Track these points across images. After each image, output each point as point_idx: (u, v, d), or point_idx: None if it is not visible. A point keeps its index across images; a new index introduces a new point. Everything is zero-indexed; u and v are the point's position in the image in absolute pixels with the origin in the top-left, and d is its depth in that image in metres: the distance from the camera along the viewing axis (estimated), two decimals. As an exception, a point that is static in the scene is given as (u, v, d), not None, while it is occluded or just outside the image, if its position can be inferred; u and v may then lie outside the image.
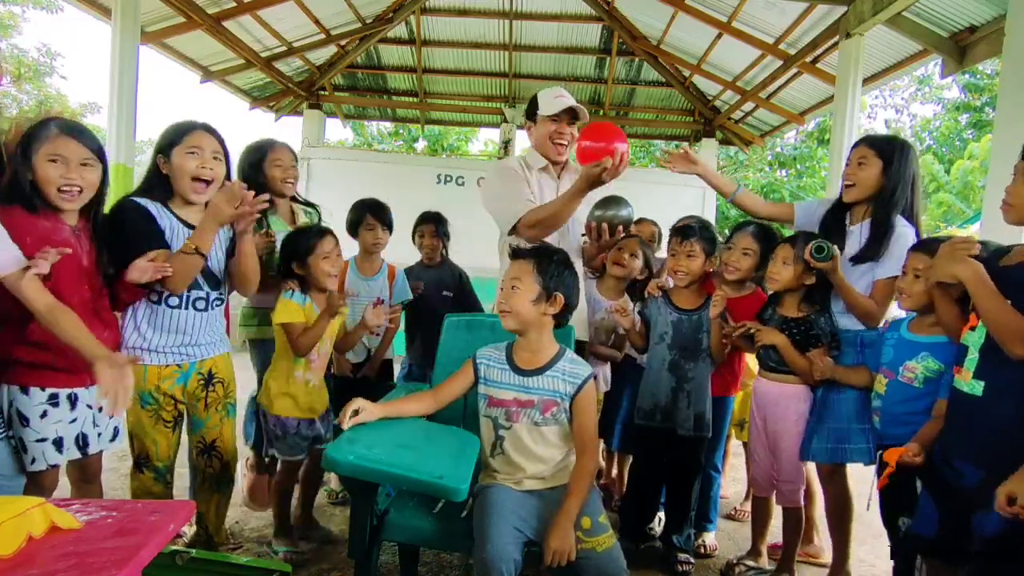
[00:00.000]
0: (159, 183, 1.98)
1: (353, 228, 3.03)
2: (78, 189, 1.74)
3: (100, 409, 1.87)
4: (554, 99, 2.46)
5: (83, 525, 0.96)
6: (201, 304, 2.02)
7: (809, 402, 2.31)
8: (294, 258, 2.36)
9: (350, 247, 3.33)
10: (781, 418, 2.33)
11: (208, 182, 1.98)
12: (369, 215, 2.95)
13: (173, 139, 1.95)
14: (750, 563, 2.52)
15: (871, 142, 2.29)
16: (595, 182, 2.11)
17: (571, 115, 2.48)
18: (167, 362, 2.00)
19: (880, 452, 1.93)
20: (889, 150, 2.22)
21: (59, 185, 1.71)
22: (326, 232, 2.40)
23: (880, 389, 2.05)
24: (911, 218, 2.26)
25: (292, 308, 2.31)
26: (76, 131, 1.77)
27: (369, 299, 2.90)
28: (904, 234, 2.20)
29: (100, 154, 1.80)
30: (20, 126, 1.70)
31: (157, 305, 1.96)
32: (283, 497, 2.44)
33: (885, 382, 2.03)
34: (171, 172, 1.95)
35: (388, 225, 3.00)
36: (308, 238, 2.37)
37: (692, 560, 2.55)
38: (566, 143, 2.50)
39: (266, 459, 2.51)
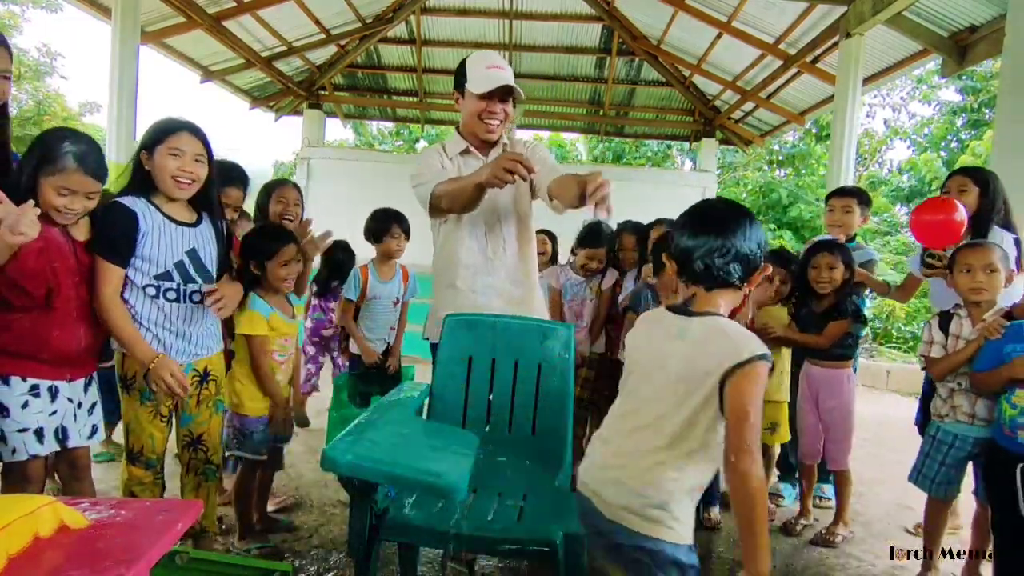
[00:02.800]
0: (141, 179, 1.99)
1: (376, 235, 3.31)
2: (75, 214, 1.80)
3: (80, 404, 1.90)
4: (486, 70, 2.16)
5: (91, 523, 0.96)
6: (196, 297, 2.05)
7: (853, 381, 2.83)
8: (253, 259, 2.37)
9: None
10: (834, 396, 2.81)
11: (189, 182, 1.99)
12: (396, 225, 3.28)
13: (157, 138, 1.95)
14: (803, 521, 2.97)
15: (968, 172, 2.80)
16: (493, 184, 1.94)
17: (504, 91, 2.18)
18: None
19: None
20: (983, 177, 2.73)
21: (61, 210, 1.76)
22: (289, 239, 2.41)
23: None
24: (1009, 227, 2.73)
25: (255, 320, 2.33)
26: (90, 167, 1.77)
27: (389, 299, 3.29)
28: (1003, 238, 2.62)
29: (104, 180, 1.84)
30: None
31: (155, 299, 1.97)
32: (245, 498, 2.48)
33: None
34: (152, 169, 1.96)
35: (408, 233, 3.37)
36: (270, 242, 2.37)
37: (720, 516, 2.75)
38: (498, 121, 2.22)
39: (229, 459, 2.58)
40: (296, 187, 2.85)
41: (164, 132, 1.96)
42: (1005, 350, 2.08)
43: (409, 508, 1.88)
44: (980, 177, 2.72)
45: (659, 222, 3.16)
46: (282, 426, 2.45)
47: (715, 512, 2.98)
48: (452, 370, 2.07)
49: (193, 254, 2.03)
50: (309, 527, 2.69)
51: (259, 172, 14.21)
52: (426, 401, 2.19)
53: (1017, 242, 2.68)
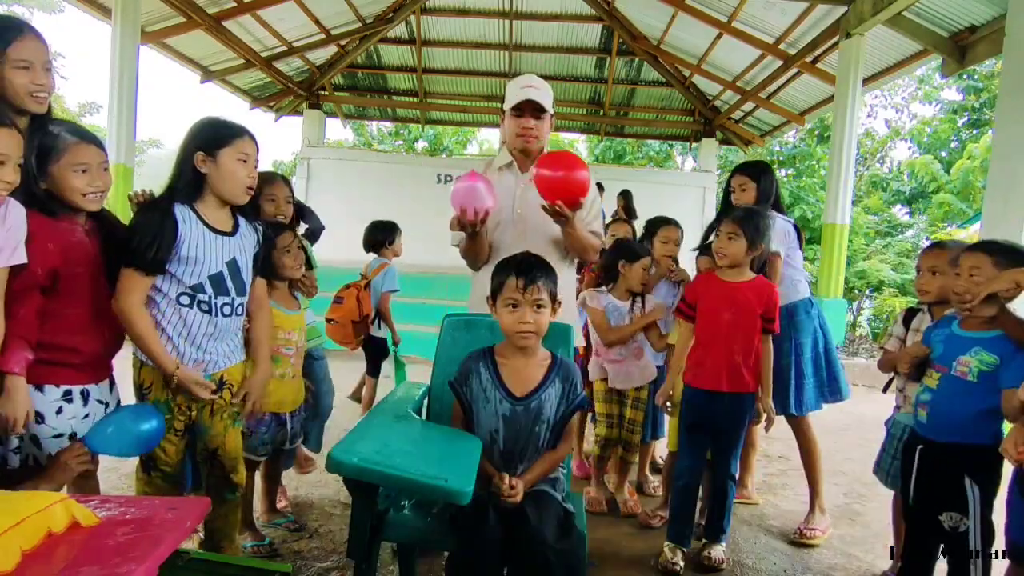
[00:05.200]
0: (195, 181, 1.89)
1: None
2: (102, 193, 1.77)
3: (107, 405, 1.88)
4: (519, 89, 2.33)
5: (102, 520, 0.97)
6: (227, 310, 1.97)
7: None
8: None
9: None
10: None
11: (253, 189, 1.97)
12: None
13: (221, 140, 1.88)
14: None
15: (745, 172, 3.05)
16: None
17: (533, 107, 2.33)
18: None
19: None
20: (756, 173, 3.01)
21: (86, 192, 1.73)
22: (284, 228, 2.46)
23: (931, 383, 2.03)
24: (780, 211, 3.03)
25: None
26: (90, 137, 1.78)
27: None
28: (774, 220, 2.84)
29: (104, 150, 1.82)
30: None
31: (188, 308, 1.90)
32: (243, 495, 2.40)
33: (937, 376, 2.02)
34: (215, 173, 1.88)
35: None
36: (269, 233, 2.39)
37: (724, 556, 2.55)
38: (534, 137, 2.37)
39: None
40: (286, 182, 2.74)
41: (230, 134, 1.89)
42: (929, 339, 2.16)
43: (409, 508, 1.89)
44: (754, 173, 3.01)
45: (667, 222, 3.25)
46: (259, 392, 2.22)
47: (719, 551, 2.55)
48: (451, 371, 2.06)
49: (232, 264, 1.96)
50: (309, 527, 2.70)
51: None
52: (425, 401, 2.20)
53: (795, 226, 3.03)
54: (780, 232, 2.88)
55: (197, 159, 1.86)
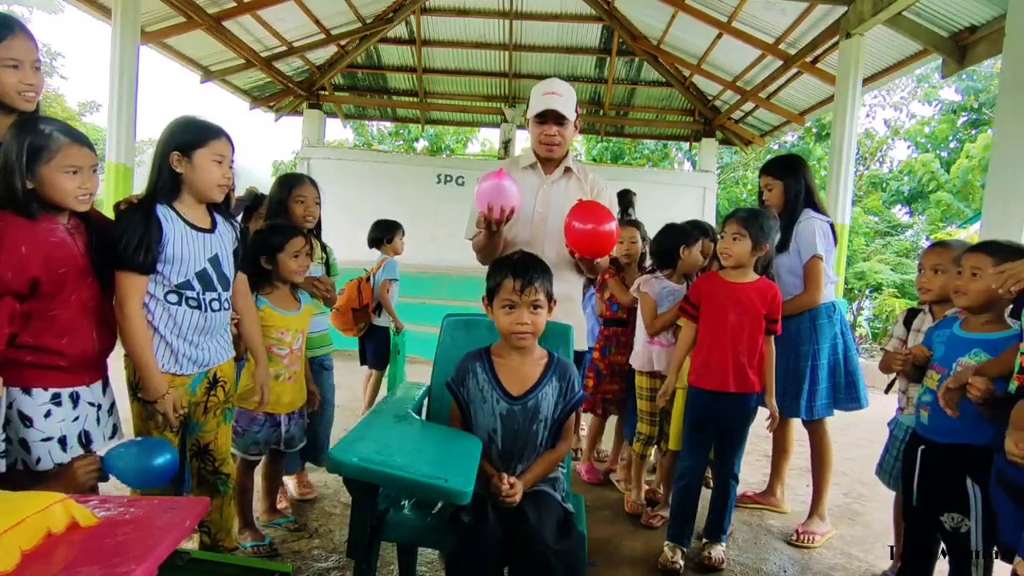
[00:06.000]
0: (173, 181, 1.91)
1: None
2: (91, 195, 1.76)
3: (99, 407, 1.87)
4: (541, 96, 2.37)
5: (101, 521, 0.97)
6: (216, 305, 2.00)
7: None
8: (264, 253, 2.41)
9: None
10: None
11: (228, 188, 1.99)
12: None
13: (197, 140, 1.89)
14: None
15: (769, 171, 2.95)
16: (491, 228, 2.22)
17: (556, 115, 2.36)
18: (181, 371, 1.96)
19: None
20: (779, 171, 2.90)
21: (77, 195, 1.71)
22: (297, 232, 2.46)
23: (932, 384, 2.03)
24: (819, 209, 2.87)
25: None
26: (82, 138, 1.75)
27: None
28: (806, 225, 2.81)
29: (94, 151, 1.80)
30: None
31: (177, 306, 1.91)
32: (242, 494, 2.45)
33: (938, 378, 2.02)
34: (190, 173, 1.90)
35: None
36: (279, 236, 2.42)
37: (724, 556, 2.56)
38: (555, 144, 2.41)
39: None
40: (314, 184, 2.78)
41: (206, 135, 1.90)
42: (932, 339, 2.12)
43: (409, 508, 1.89)
44: (777, 172, 2.91)
45: (705, 232, 3.16)
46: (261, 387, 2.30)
47: (719, 551, 2.57)
48: (451, 371, 2.06)
49: (215, 260, 1.98)
50: (309, 527, 2.70)
51: (258, 172, 14.21)
52: (425, 401, 2.20)
53: (831, 225, 2.85)
54: (822, 233, 2.78)
55: (172, 159, 1.88)
